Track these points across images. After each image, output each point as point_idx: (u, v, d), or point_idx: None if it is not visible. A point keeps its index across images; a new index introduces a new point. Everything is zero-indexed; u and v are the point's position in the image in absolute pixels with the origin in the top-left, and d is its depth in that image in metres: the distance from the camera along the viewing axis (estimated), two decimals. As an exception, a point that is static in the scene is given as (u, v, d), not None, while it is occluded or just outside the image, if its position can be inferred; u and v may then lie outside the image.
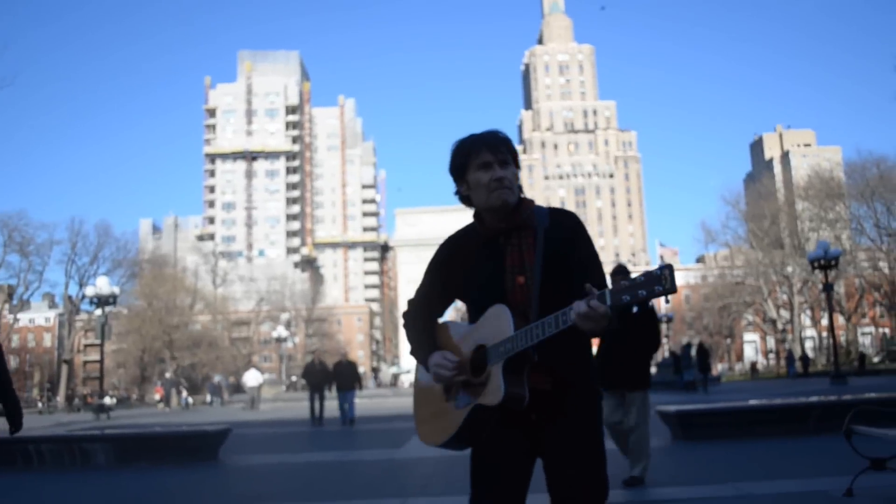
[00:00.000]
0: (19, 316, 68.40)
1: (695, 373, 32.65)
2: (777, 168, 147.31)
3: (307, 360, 22.20)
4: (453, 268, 2.77)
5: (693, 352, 36.08)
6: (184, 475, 9.98)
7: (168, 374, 54.39)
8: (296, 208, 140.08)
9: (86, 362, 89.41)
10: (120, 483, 9.46)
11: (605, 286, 2.44)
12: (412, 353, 2.83)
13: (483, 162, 2.64)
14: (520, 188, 2.71)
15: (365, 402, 34.81)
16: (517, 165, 2.70)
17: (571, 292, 2.47)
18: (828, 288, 30.04)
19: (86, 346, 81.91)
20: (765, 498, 6.48)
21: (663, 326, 63.38)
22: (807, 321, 67.96)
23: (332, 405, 20.81)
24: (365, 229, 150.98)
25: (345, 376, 19.85)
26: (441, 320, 2.91)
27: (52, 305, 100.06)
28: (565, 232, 2.66)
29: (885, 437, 6.28)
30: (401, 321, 2.96)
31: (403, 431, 15.01)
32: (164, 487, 9.01)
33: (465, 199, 2.74)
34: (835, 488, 6.34)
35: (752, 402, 13.56)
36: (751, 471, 7.97)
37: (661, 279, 2.19)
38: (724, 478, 7.59)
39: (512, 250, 2.66)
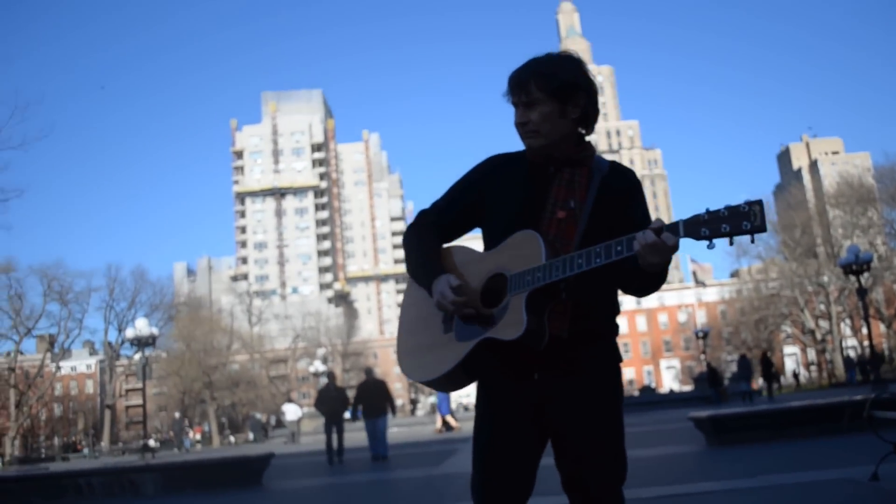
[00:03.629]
0: (61, 364, 69.48)
1: (750, 383, 32.76)
2: (806, 177, 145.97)
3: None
4: (488, 186, 2.43)
5: (752, 364, 36.14)
6: (230, 499, 10.26)
7: (176, 415, 54.63)
8: (326, 244, 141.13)
9: (128, 407, 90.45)
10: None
11: None
12: (411, 272, 2.48)
13: (513, 102, 2.37)
14: (585, 122, 2.38)
15: (403, 430, 34.66)
16: (564, 98, 2.32)
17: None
18: (862, 293, 29.79)
19: (127, 390, 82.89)
20: (791, 487, 6.63)
21: (699, 342, 62.87)
22: (847, 330, 67.02)
23: (360, 436, 18.19)
24: (396, 261, 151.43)
25: (372, 398, 16.13)
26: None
27: (93, 352, 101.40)
28: (624, 183, 2.37)
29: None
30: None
31: (442, 453, 15.23)
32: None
33: None
34: (861, 475, 6.48)
35: (783, 404, 13.62)
36: (779, 466, 8.12)
37: (750, 215, 1.89)
38: (752, 473, 7.76)
39: (560, 183, 2.35)
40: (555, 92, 2.31)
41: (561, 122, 2.33)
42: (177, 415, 55.18)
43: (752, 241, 1.97)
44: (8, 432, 47.72)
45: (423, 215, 2.54)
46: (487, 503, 2.32)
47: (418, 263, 2.43)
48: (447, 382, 2.36)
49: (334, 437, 16.61)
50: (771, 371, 33.46)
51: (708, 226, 1.95)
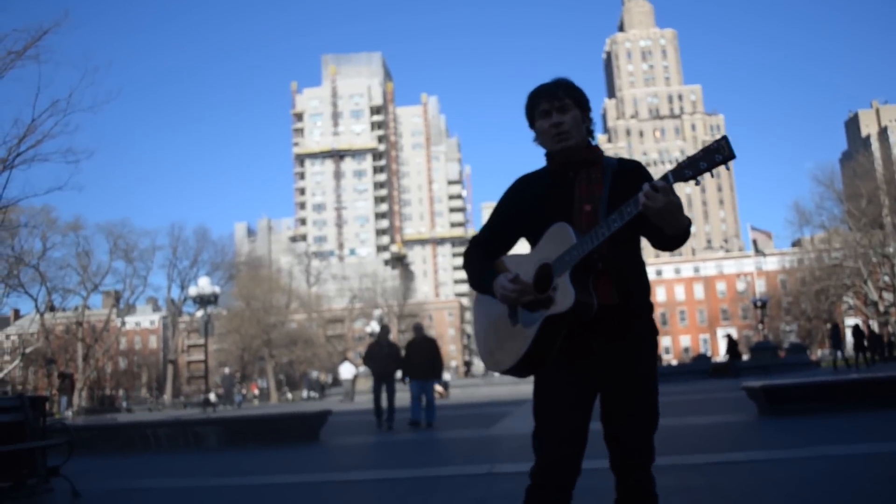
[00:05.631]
0: (126, 319, 71.70)
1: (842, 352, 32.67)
2: (875, 145, 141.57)
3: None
4: (522, 202, 2.85)
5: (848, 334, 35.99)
6: (288, 452, 10.64)
7: (227, 371, 55.58)
8: (384, 206, 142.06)
9: (189, 362, 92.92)
10: (230, 460, 10.20)
11: None
12: (473, 285, 2.89)
13: (542, 110, 2.79)
14: (590, 130, 2.85)
15: (455, 391, 34.89)
16: (583, 107, 2.81)
17: (633, 227, 2.58)
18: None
19: (189, 346, 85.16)
20: (837, 458, 6.67)
21: (757, 311, 62.00)
22: (912, 303, 65.35)
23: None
24: (452, 225, 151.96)
25: (419, 358, 14.42)
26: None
27: (157, 309, 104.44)
28: (631, 171, 2.77)
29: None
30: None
31: (494, 415, 15.45)
32: (270, 462, 9.70)
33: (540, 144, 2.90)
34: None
35: (837, 377, 13.47)
36: (829, 438, 8.12)
37: (720, 149, 2.29)
38: (800, 444, 7.81)
39: (580, 182, 2.76)
40: (578, 101, 2.81)
41: (582, 128, 2.82)
42: (226, 370, 56.30)
43: (728, 169, 2.34)
44: (76, 383, 49.52)
45: (473, 240, 3.01)
46: (545, 455, 2.66)
47: (478, 277, 2.85)
48: (525, 366, 2.70)
49: (384, 397, 14.97)
50: (863, 341, 33.31)
51: (690, 168, 2.38)
